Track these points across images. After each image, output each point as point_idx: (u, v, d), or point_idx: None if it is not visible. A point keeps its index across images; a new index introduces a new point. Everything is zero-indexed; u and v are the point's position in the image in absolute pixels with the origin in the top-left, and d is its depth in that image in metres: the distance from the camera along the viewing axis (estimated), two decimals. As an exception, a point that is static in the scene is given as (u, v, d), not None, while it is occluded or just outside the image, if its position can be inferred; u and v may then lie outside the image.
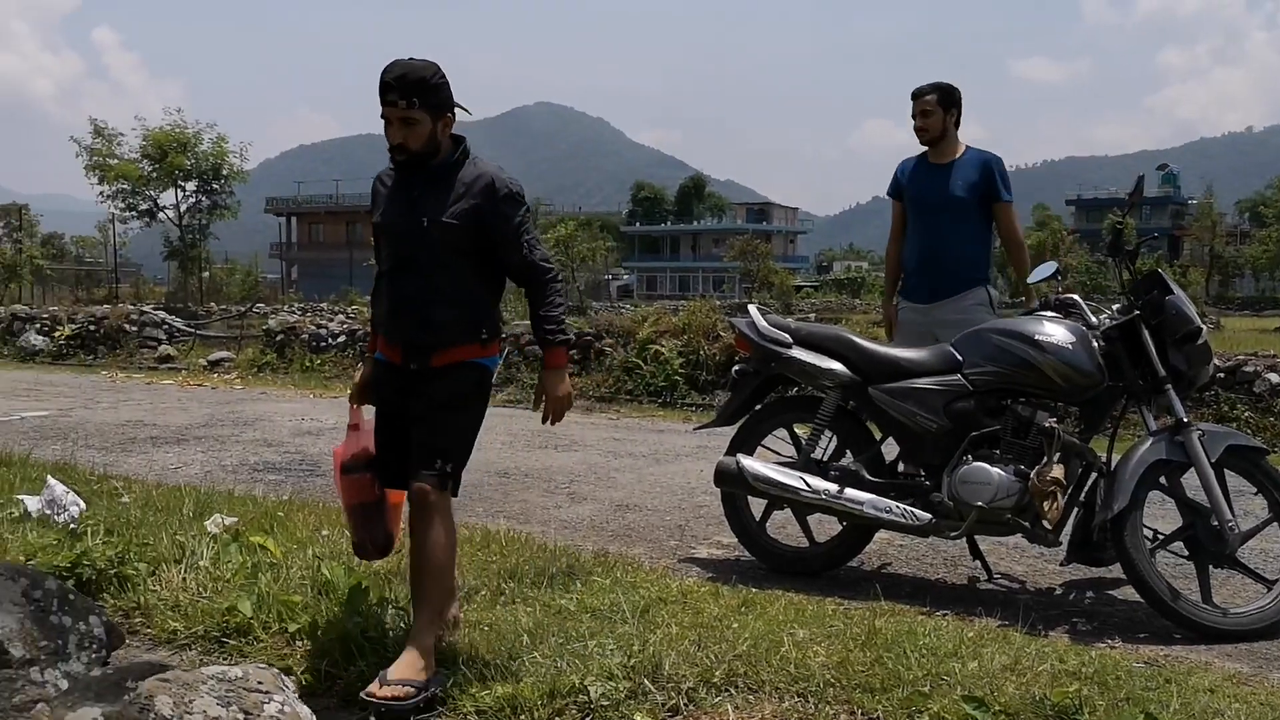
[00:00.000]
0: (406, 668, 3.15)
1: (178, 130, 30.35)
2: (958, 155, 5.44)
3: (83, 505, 5.03)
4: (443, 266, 3.29)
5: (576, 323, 13.61)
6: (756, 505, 4.85)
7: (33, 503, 5.02)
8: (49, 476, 5.31)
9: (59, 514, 4.90)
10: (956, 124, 5.45)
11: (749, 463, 4.63)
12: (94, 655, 1.89)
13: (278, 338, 15.32)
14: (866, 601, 4.16)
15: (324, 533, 4.76)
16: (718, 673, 3.22)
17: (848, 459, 4.71)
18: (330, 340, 14.98)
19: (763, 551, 4.80)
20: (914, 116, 5.45)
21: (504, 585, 4.18)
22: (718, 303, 16.64)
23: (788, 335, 4.69)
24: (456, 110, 3.31)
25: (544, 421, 3.53)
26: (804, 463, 4.64)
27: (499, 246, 3.34)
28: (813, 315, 27.97)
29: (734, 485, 4.68)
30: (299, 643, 3.64)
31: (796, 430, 4.83)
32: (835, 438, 4.75)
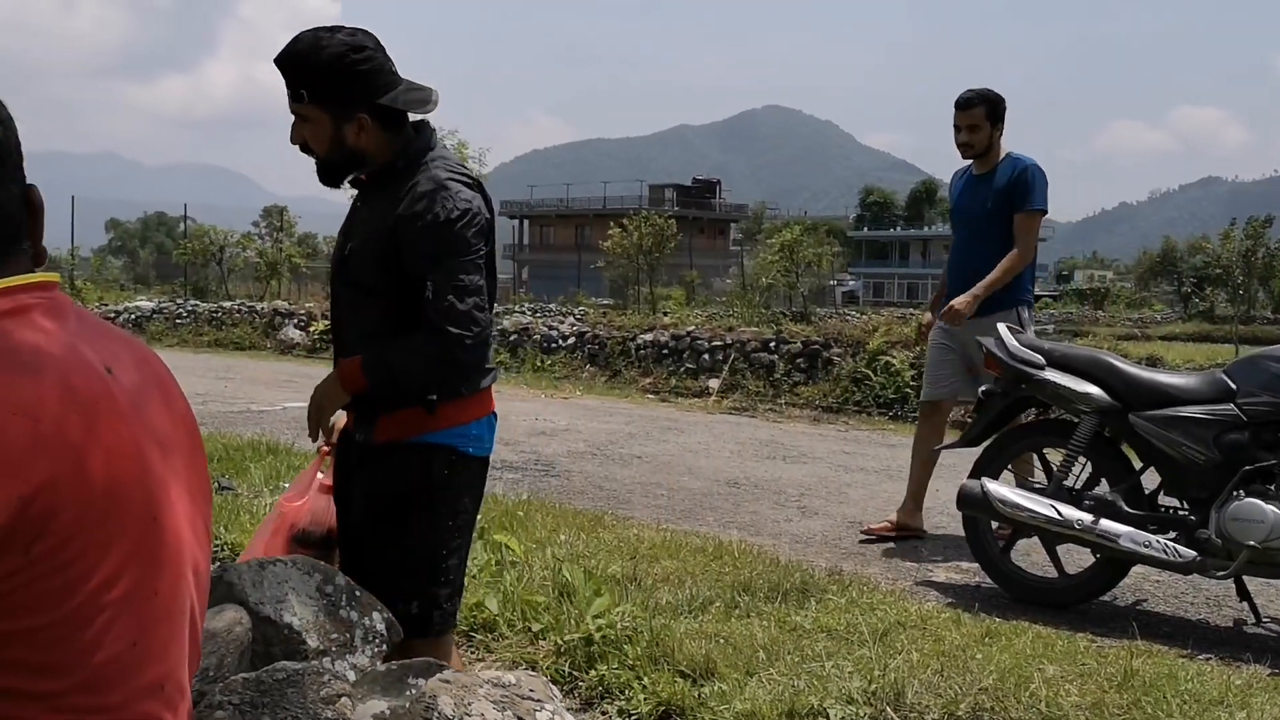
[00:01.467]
0: None
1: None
2: (995, 164, 5.23)
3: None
4: (369, 306, 2.47)
5: (803, 330, 13.52)
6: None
7: (297, 491, 5.35)
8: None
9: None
10: (1000, 133, 5.22)
11: (995, 487, 4.46)
12: (376, 650, 1.99)
13: (511, 338, 15.87)
14: (1121, 640, 3.93)
15: (561, 536, 4.87)
16: (962, 705, 3.11)
17: (1103, 488, 4.47)
18: (560, 342, 15.39)
19: (1007, 580, 4.61)
20: (957, 129, 5.19)
21: (738, 598, 4.17)
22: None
23: (1041, 356, 4.49)
24: (418, 110, 2.42)
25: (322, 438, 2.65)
26: (1055, 490, 4.43)
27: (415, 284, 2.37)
28: (1051, 327, 26.74)
29: (978, 510, 4.52)
30: (541, 642, 3.75)
31: (1047, 455, 4.63)
32: (1090, 465, 4.52)
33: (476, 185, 2.42)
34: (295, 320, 18.97)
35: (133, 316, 21.25)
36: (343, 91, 2.29)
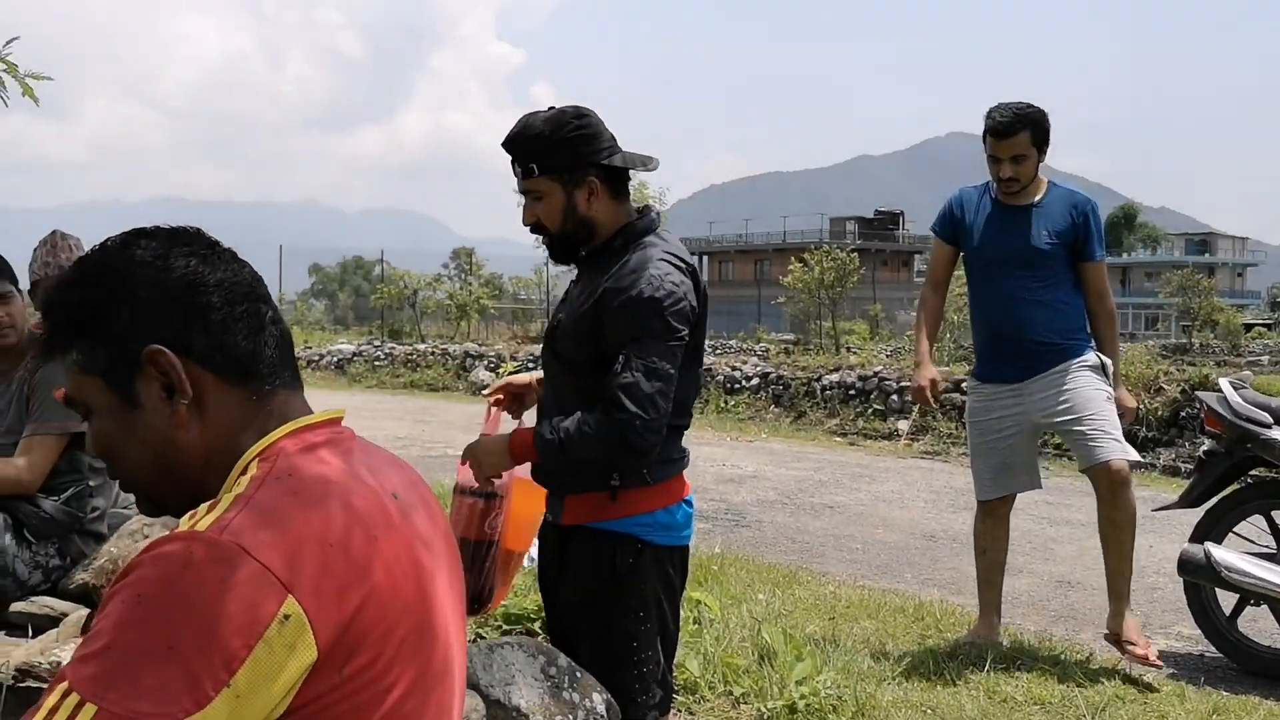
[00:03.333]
0: None
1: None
2: (1041, 195, 4.21)
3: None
4: (569, 382, 2.45)
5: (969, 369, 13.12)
6: (1226, 598, 4.41)
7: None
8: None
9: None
10: (1043, 159, 4.21)
11: (1220, 553, 4.22)
12: (597, 734, 2.03)
13: (697, 369, 15.93)
14: (1367, 722, 3.66)
15: (759, 595, 4.84)
16: (1194, 794, 2.95)
17: (1341, 554, 4.17)
18: (744, 382, 15.37)
19: (1234, 650, 4.35)
20: (995, 159, 4.13)
21: (943, 664, 4.06)
22: (1150, 344, 15.42)
23: (1268, 414, 4.24)
24: (640, 169, 2.44)
25: (462, 460, 2.56)
26: (1287, 556, 4.16)
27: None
28: (1265, 359, 25.17)
29: (1201, 576, 4.28)
30: (743, 706, 3.73)
31: (1277, 519, 4.35)
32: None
33: (690, 271, 2.40)
34: (486, 362, 19.56)
35: (335, 359, 22.35)
36: (570, 156, 2.34)
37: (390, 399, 17.35)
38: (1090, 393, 4.07)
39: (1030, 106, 4.11)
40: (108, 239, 1.25)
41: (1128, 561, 4.15)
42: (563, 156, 2.34)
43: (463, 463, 2.53)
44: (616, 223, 2.41)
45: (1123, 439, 4.07)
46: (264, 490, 1.11)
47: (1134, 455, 4.10)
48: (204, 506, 1.11)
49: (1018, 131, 4.04)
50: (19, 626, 2.87)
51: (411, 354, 21.30)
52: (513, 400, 2.72)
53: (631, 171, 2.47)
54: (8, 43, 4.30)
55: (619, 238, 2.40)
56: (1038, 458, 4.43)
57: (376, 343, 24.02)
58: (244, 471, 1.17)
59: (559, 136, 2.32)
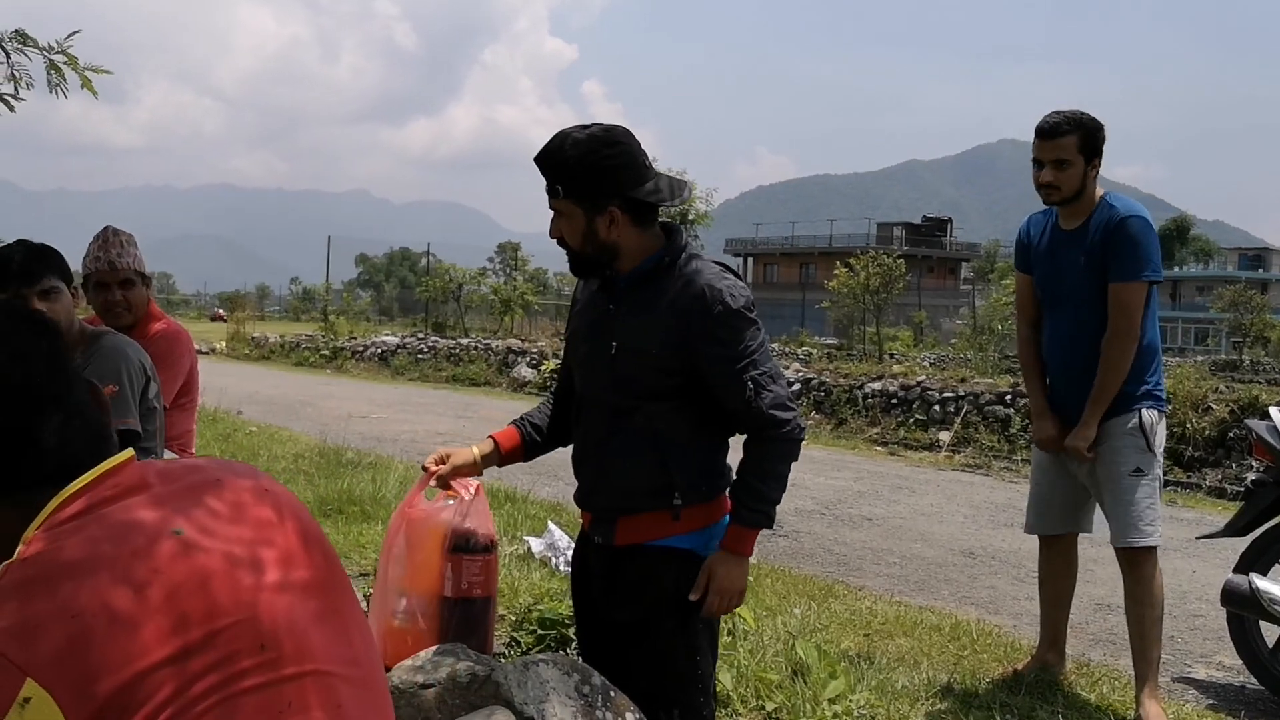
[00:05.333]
0: None
1: (652, 179, 32.51)
2: (1090, 215, 3.85)
3: (576, 551, 5.47)
4: (631, 407, 2.44)
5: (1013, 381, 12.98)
6: (1270, 630, 4.34)
7: (536, 544, 5.52)
8: (549, 522, 5.83)
9: (556, 557, 5.35)
10: (1096, 172, 3.84)
11: (1265, 584, 4.14)
12: (630, 753, 2.03)
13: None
14: None
15: (795, 610, 4.83)
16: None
17: (1392, 590, 4.08)
18: (787, 387, 15.32)
19: (1276, 683, 4.27)
20: (1038, 163, 3.84)
21: (978, 686, 4.03)
22: (1199, 360, 15.19)
23: (1319, 444, 4.16)
24: (665, 203, 2.42)
25: (702, 613, 2.45)
26: (1334, 590, 4.08)
27: (711, 384, 2.38)
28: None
29: (1244, 608, 4.20)
30: (775, 721, 3.72)
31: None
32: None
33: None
34: (528, 359, 19.65)
35: (378, 351, 22.55)
36: (593, 185, 2.33)
37: (432, 393, 17.47)
38: (1117, 466, 3.81)
39: (1083, 113, 3.82)
40: None
41: (1151, 644, 3.84)
42: (586, 185, 2.34)
43: (698, 594, 2.42)
44: (642, 247, 2.42)
45: (1144, 516, 3.79)
46: (8, 577, 1.10)
47: (1146, 540, 3.79)
48: None
49: (1063, 134, 3.76)
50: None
51: (454, 348, 21.45)
52: (453, 468, 2.60)
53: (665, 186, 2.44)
54: (69, 36, 4.39)
55: (666, 255, 2.41)
56: (1086, 501, 4.09)
57: (420, 335, 24.20)
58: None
59: (586, 164, 2.32)
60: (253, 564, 1.19)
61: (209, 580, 1.14)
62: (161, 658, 1.07)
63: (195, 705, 1.07)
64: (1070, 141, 3.75)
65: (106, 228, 3.77)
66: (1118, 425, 3.82)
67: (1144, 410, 3.82)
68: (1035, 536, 4.28)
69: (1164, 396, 3.96)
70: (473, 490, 2.58)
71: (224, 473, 1.30)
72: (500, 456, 2.66)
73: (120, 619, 1.07)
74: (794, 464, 2.43)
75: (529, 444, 2.70)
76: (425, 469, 2.60)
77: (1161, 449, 3.90)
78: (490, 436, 2.68)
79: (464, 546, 2.49)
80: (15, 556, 1.13)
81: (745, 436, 2.45)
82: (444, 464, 2.58)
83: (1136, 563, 3.85)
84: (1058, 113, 3.81)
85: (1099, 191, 3.86)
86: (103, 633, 1.06)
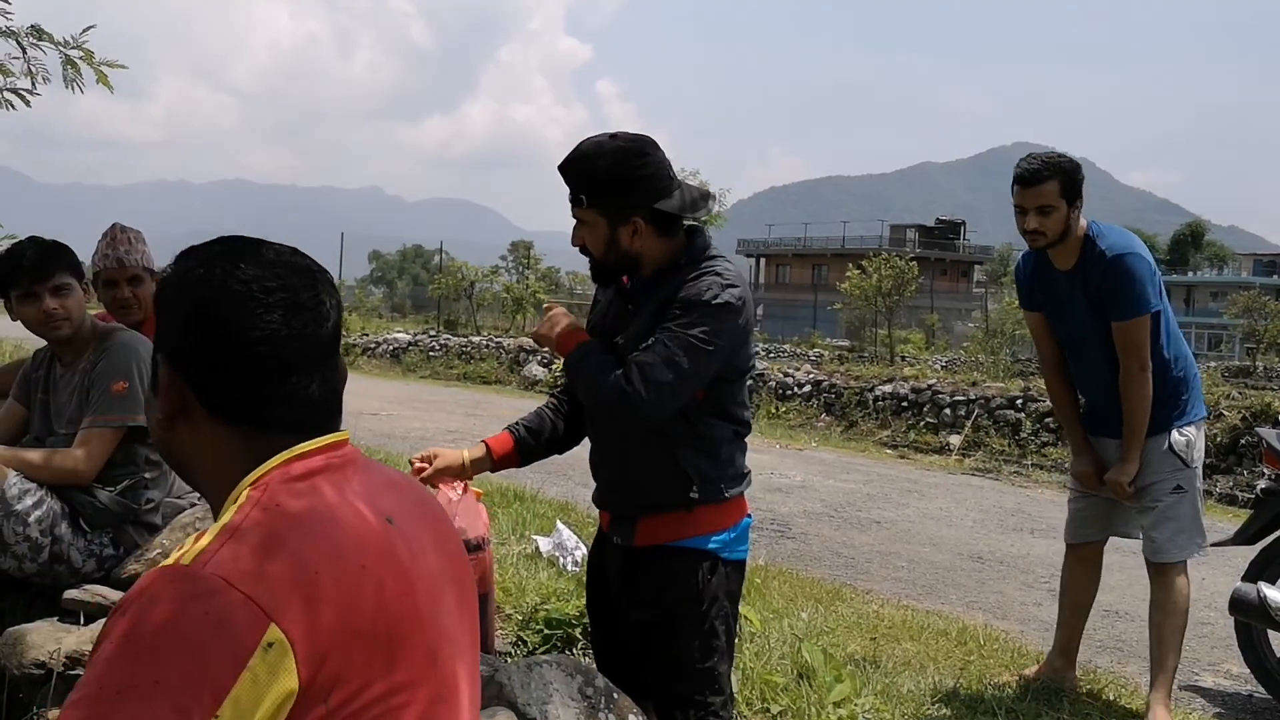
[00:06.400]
0: None
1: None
2: (1080, 255, 3.83)
3: (584, 551, 5.48)
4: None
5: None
6: (1277, 639, 4.32)
7: (544, 543, 5.52)
8: (558, 521, 5.84)
9: (564, 557, 5.35)
10: (1079, 211, 3.80)
11: (1273, 593, 4.11)
12: (632, 755, 2.04)
13: (746, 383, 15.90)
14: None
15: (803, 614, 4.82)
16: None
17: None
18: (796, 389, 15.31)
19: (1284, 693, 4.27)
20: (1020, 209, 3.80)
21: (984, 692, 4.02)
22: (1212, 366, 15.14)
23: (1329, 452, 4.14)
24: (689, 216, 2.43)
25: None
26: (1343, 600, 4.06)
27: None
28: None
29: (1252, 617, 4.18)
30: (779, 724, 3.72)
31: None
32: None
33: (745, 289, 2.43)
34: (539, 357, 19.66)
35: (390, 348, 22.59)
36: (618, 196, 2.32)
37: (443, 390, 17.50)
38: (1157, 489, 3.81)
39: (1061, 156, 3.82)
40: (232, 244, 1.26)
41: (1169, 652, 3.84)
42: (612, 196, 2.33)
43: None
44: (664, 255, 2.42)
45: (1188, 529, 3.83)
46: (249, 520, 1.14)
47: (1191, 555, 3.86)
48: (192, 537, 1.14)
49: (1044, 180, 3.72)
50: (71, 614, 2.94)
51: (466, 346, 21.48)
52: (437, 470, 2.63)
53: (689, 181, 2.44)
54: (84, 31, 4.41)
55: (684, 256, 2.41)
56: (1118, 513, 4.05)
57: (432, 332, 24.24)
58: (235, 500, 1.19)
59: (614, 175, 2.31)
60: (434, 574, 1.27)
61: (402, 580, 1.20)
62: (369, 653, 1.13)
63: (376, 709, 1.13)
64: (1051, 188, 3.72)
65: (114, 225, 3.79)
66: (1152, 449, 3.82)
67: (1175, 432, 3.81)
68: (1041, 542, 4.29)
69: (1202, 407, 3.96)
70: (460, 489, 2.59)
71: (398, 474, 1.39)
72: (492, 462, 2.64)
73: (341, 589, 1.12)
74: (595, 399, 2.39)
75: (523, 450, 2.68)
76: (411, 463, 2.62)
77: (1201, 458, 3.91)
78: (483, 441, 2.67)
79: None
80: (249, 501, 1.17)
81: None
82: (430, 463, 2.59)
83: (1167, 572, 3.85)
84: (1035, 157, 3.81)
85: (1083, 225, 3.82)
86: (328, 596, 1.10)
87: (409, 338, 23.19)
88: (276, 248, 1.27)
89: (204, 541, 1.11)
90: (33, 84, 4.34)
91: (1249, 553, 4.44)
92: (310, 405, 1.25)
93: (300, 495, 1.18)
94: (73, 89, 4.34)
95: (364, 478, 1.27)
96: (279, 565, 1.09)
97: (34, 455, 3.06)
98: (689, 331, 2.27)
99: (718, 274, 2.34)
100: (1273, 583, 4.25)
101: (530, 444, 2.68)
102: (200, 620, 1.03)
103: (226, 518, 1.15)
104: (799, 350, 27.28)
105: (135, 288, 3.72)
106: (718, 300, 2.29)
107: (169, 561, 1.10)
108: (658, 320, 2.33)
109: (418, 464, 2.59)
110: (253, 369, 1.21)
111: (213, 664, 1.02)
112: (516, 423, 2.73)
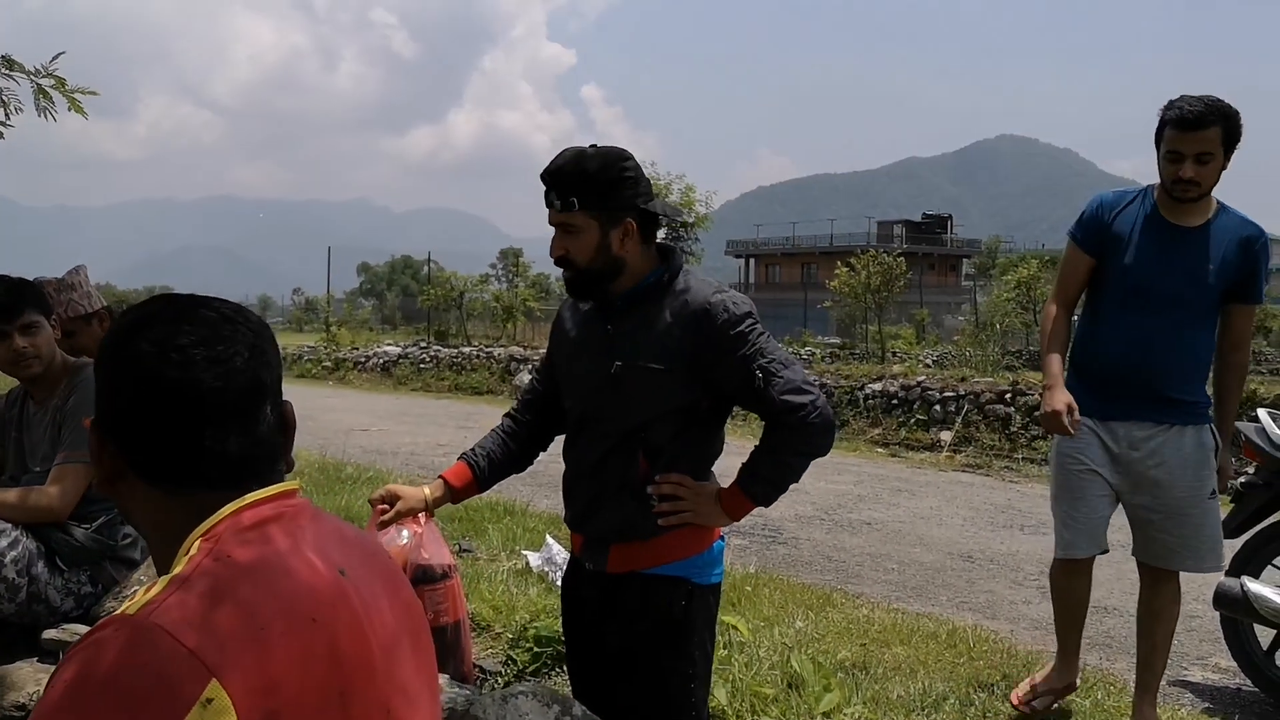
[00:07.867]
0: None
1: (653, 182, 32.46)
2: (1210, 216, 3.52)
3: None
4: (632, 427, 2.40)
5: (1041, 379, 12.98)
6: (1264, 632, 4.34)
7: (534, 558, 5.51)
8: (547, 536, 5.83)
9: (554, 572, 5.34)
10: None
11: (1256, 587, 4.14)
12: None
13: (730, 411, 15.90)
14: None
15: (796, 623, 4.82)
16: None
17: (1384, 591, 4.07)
18: (788, 390, 15.31)
19: (1271, 686, 4.28)
20: (1175, 155, 3.41)
21: (973, 695, 4.03)
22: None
23: (1309, 446, 4.15)
24: (672, 219, 2.51)
25: (657, 503, 2.43)
26: (1327, 592, 4.06)
27: (723, 385, 2.37)
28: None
29: (1236, 611, 4.20)
30: (769, 736, 3.72)
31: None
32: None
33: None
34: (529, 366, 19.65)
35: (380, 361, 22.57)
36: (614, 195, 2.33)
37: (434, 403, 17.47)
38: (1197, 491, 3.57)
39: (1223, 102, 3.38)
40: (127, 318, 1.26)
41: (1159, 655, 3.73)
42: (608, 196, 2.33)
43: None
44: (644, 264, 2.42)
45: (1218, 537, 3.62)
46: (199, 570, 1.13)
47: (1217, 566, 3.65)
48: (143, 587, 1.14)
49: (1208, 125, 3.33)
50: (51, 653, 2.93)
51: (457, 357, 21.46)
52: (398, 514, 2.58)
53: (672, 185, 2.46)
54: (54, 59, 4.40)
55: (665, 273, 2.41)
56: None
57: (423, 344, 24.21)
58: (186, 552, 1.18)
59: (609, 176, 2.33)
60: (388, 626, 1.27)
61: (355, 631, 1.20)
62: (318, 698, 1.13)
63: None
64: (1215, 133, 3.36)
65: (71, 269, 3.81)
66: (1193, 441, 3.56)
67: (1211, 425, 3.62)
68: (1030, 539, 4.28)
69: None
70: (423, 520, 2.59)
71: (347, 525, 1.38)
72: (454, 494, 2.64)
73: (290, 643, 1.11)
74: (818, 454, 2.35)
75: (480, 478, 2.67)
76: (372, 504, 2.59)
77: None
78: (441, 476, 2.66)
79: (424, 578, 2.53)
80: (200, 551, 1.16)
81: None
82: (391, 505, 2.56)
83: (1173, 579, 3.70)
84: (1198, 99, 3.39)
85: (1214, 197, 3.55)
86: (276, 650, 1.10)
87: (399, 350, 23.17)
88: (206, 306, 1.27)
89: (153, 591, 1.11)
90: (6, 114, 4.33)
91: (1232, 547, 4.45)
92: (225, 461, 1.23)
93: (251, 545, 1.18)
94: (45, 117, 4.34)
95: (315, 527, 1.26)
96: (227, 616, 1.09)
97: (8, 495, 3.06)
98: (758, 339, 2.31)
99: (720, 291, 2.37)
100: (1256, 576, 4.27)
101: (487, 471, 2.68)
102: (140, 672, 1.03)
103: (179, 567, 1.15)
104: (791, 349, 27.28)
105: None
106: (745, 309, 2.34)
107: (119, 610, 1.10)
108: (681, 341, 2.33)
109: (379, 506, 2.56)
110: (158, 429, 1.20)
111: (149, 717, 1.01)
112: (472, 450, 2.71)
